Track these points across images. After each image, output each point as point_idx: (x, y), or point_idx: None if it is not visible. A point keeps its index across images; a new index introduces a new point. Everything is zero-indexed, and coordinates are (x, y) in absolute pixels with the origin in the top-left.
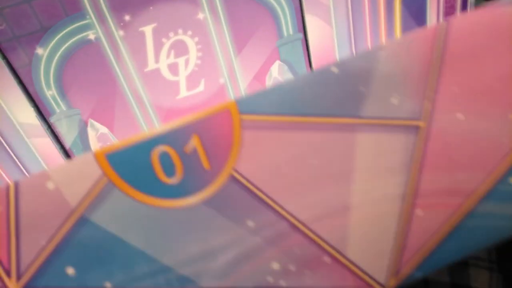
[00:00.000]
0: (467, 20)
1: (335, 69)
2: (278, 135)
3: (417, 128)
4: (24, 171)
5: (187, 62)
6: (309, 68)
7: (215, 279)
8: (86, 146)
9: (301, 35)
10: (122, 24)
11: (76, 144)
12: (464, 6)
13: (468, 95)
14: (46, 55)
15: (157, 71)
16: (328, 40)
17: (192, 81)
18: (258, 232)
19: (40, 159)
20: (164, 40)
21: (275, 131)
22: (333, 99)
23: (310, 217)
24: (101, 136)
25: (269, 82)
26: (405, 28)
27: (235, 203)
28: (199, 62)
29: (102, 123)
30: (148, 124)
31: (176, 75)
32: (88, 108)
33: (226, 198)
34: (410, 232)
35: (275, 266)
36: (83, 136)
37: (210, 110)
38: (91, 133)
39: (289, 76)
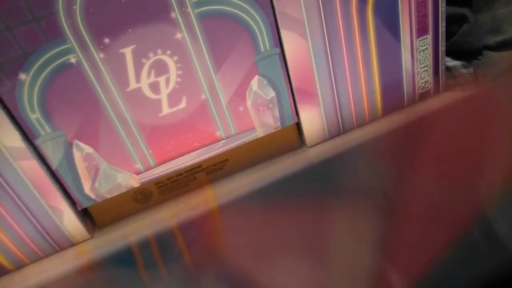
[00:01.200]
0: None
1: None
2: None
3: (388, 198)
4: (12, 193)
5: (167, 80)
6: (287, 81)
7: None
8: (72, 166)
9: (278, 50)
10: (102, 47)
11: (63, 165)
12: (435, 15)
13: (437, 167)
14: (29, 80)
15: (138, 91)
16: (304, 53)
17: (173, 98)
18: None
19: (27, 181)
20: (144, 60)
21: None
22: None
23: None
24: (86, 156)
25: (249, 96)
26: (379, 37)
27: None
28: (179, 80)
29: (87, 143)
30: (133, 142)
31: (158, 93)
32: (72, 129)
33: None
34: None
35: None
36: (69, 156)
37: None
38: (76, 154)
39: (269, 90)
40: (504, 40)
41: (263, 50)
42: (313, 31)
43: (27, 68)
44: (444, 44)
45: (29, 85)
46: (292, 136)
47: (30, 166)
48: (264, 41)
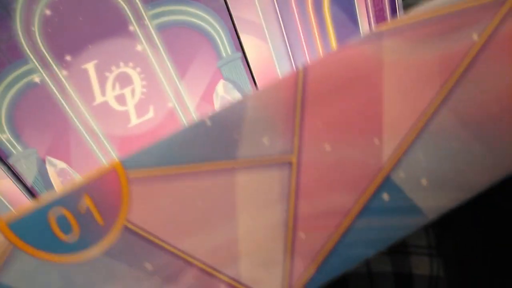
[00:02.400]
0: (323, 63)
1: (208, 122)
2: (164, 185)
3: (289, 162)
4: None
5: (133, 91)
6: (253, 84)
7: None
8: (47, 182)
9: (240, 54)
10: (64, 64)
11: (38, 181)
12: (393, 10)
13: (333, 128)
14: None
15: (105, 104)
16: (266, 56)
17: (141, 109)
18: (156, 272)
19: (4, 200)
20: (107, 74)
21: (161, 181)
22: (210, 147)
23: (203, 253)
24: (60, 171)
25: (216, 101)
26: (339, 33)
27: (131, 250)
28: (145, 90)
29: (59, 159)
30: (104, 154)
31: (125, 105)
32: (44, 147)
33: (122, 247)
34: (296, 253)
35: None
36: (43, 173)
37: (98, 172)
38: (50, 170)
39: (235, 93)
40: None
41: (225, 56)
42: (272, 33)
43: None
44: None
45: None
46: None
47: (6, 185)
48: (225, 46)
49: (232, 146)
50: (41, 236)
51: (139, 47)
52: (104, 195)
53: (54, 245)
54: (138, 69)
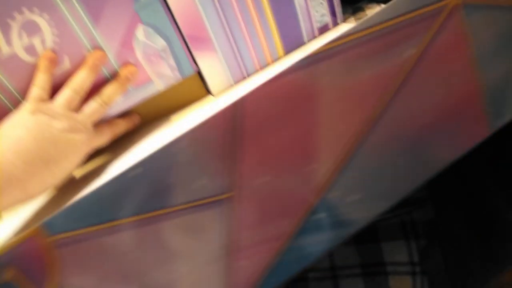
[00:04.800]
0: (258, 96)
1: (139, 169)
2: (94, 243)
3: (229, 198)
4: None
5: (43, 41)
6: (176, 28)
7: None
8: None
9: None
10: None
11: None
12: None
13: (271, 159)
14: None
15: (14, 56)
16: None
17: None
18: None
19: None
20: (9, 21)
21: (90, 240)
22: (140, 197)
23: None
24: None
25: (138, 47)
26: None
27: None
28: (57, 40)
29: None
30: None
31: (36, 55)
32: None
33: None
34: (238, 279)
35: None
36: None
37: (18, 240)
38: None
39: (157, 39)
40: None
41: None
42: None
43: None
44: None
45: None
46: (197, 86)
47: None
48: None
49: (166, 191)
50: None
51: None
52: (29, 263)
53: None
54: (46, 16)
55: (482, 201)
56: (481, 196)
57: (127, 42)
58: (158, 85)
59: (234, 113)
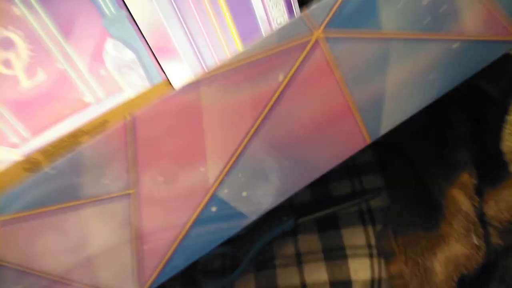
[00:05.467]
0: (150, 113)
1: (52, 171)
2: (20, 225)
3: (129, 194)
4: None
5: (18, 56)
6: (143, 40)
7: None
8: None
9: (124, 12)
10: None
11: None
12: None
13: (164, 164)
14: None
15: None
16: (153, 12)
17: (30, 72)
18: None
19: None
20: None
21: (18, 222)
22: (56, 190)
23: (64, 271)
24: None
25: (108, 60)
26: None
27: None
28: (32, 54)
29: None
30: (1, 119)
31: (11, 68)
32: None
33: None
34: (145, 261)
35: None
36: None
37: None
38: None
39: (126, 52)
40: None
41: (108, 14)
42: None
43: None
44: None
45: None
46: (166, 90)
47: None
48: (107, 5)
49: (76, 187)
50: None
51: (17, 11)
52: None
53: None
54: (20, 33)
55: (428, 184)
56: (428, 181)
57: (97, 55)
58: (128, 93)
59: (126, 130)
